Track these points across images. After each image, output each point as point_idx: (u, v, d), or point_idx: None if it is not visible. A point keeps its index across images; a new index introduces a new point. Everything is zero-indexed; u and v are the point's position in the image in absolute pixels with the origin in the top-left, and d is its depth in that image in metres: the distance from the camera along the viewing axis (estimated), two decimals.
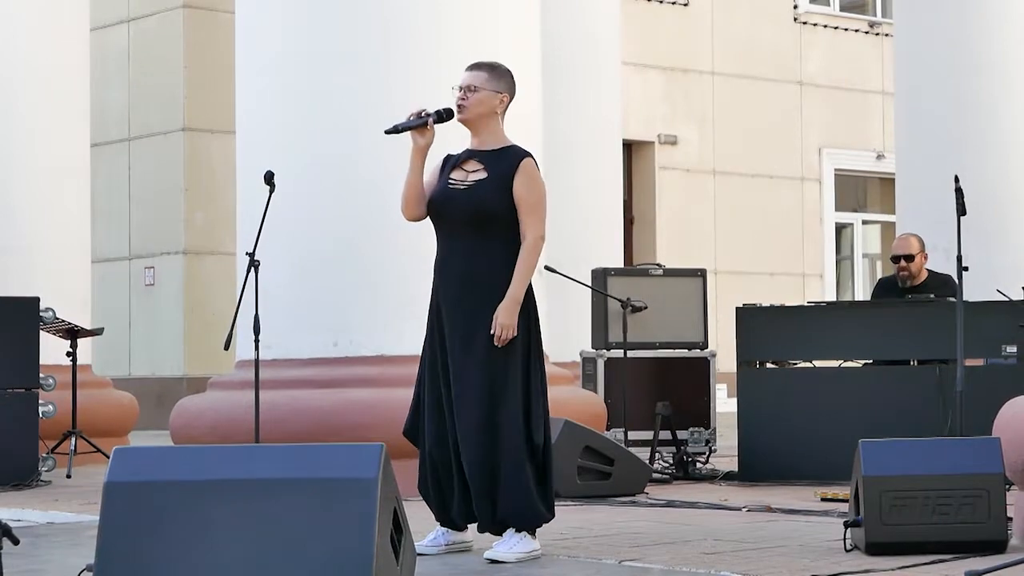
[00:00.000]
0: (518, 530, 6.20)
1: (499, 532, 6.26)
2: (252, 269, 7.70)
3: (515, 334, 6.22)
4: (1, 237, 12.08)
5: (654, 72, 21.22)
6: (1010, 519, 6.17)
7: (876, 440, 6.19)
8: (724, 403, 13.33)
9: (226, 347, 7.71)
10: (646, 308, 10.41)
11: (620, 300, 10.32)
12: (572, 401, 9.07)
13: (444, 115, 6.41)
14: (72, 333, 10.95)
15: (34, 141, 12.24)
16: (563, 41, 13.73)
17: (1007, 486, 6.10)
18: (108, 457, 4.68)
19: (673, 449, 10.22)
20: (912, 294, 10.17)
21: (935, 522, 5.94)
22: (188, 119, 17.59)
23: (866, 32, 23.21)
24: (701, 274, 10.93)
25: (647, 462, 9.46)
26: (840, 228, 23.23)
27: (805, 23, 22.66)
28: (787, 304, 10.45)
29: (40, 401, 10.12)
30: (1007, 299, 9.49)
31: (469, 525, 6.42)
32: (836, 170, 22.86)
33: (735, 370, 9.85)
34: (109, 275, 18.00)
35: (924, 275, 10.39)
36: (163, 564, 4.49)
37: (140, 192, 18.03)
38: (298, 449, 4.66)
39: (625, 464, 8.88)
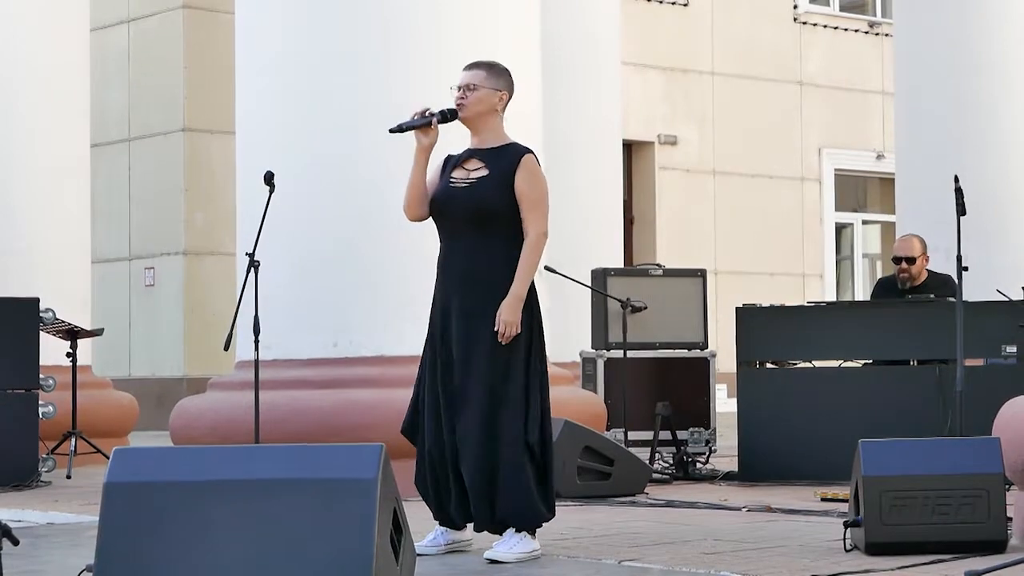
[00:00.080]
0: (518, 530, 6.20)
1: (499, 531, 6.26)
2: (252, 269, 7.70)
3: (519, 331, 6.23)
4: (1, 237, 12.07)
5: (654, 72, 21.22)
6: (1010, 519, 6.17)
7: (876, 440, 6.19)
8: (724, 403, 13.33)
9: (226, 348, 7.71)
10: (646, 308, 10.41)
11: (620, 300, 10.32)
12: (572, 401, 9.07)
13: (448, 115, 6.42)
14: (72, 334, 10.95)
15: (34, 141, 12.24)
16: (563, 41, 13.73)
17: (1007, 486, 6.10)
18: (108, 458, 4.68)
19: (673, 449, 10.21)
20: (912, 294, 10.17)
21: (935, 522, 5.94)
22: (188, 119, 17.60)
23: (866, 32, 23.21)
24: (701, 274, 10.93)
25: (647, 462, 9.46)
26: (840, 228, 23.23)
27: (805, 23, 22.66)
28: (787, 304, 10.45)
29: (40, 402, 10.12)
30: (1007, 299, 9.48)
31: (467, 524, 6.42)
32: (836, 170, 22.87)
33: (735, 370, 9.85)
34: (109, 276, 18.00)
35: (924, 275, 10.38)
36: (163, 564, 4.49)
37: (140, 192, 18.03)
38: (298, 449, 4.66)
39: (625, 464, 8.88)
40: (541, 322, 6.39)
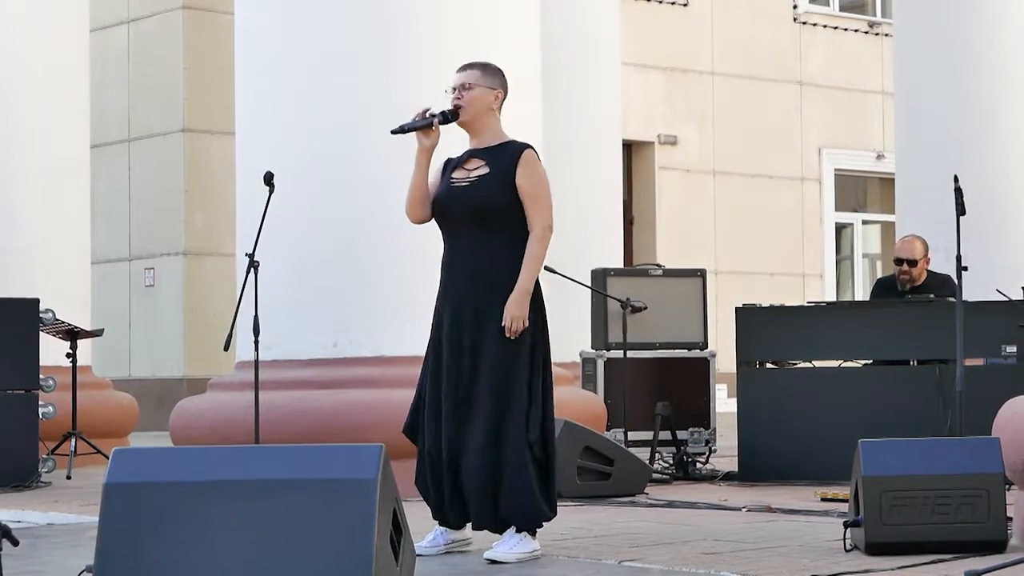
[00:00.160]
0: (519, 530, 6.20)
1: (500, 531, 6.25)
2: (252, 270, 7.70)
3: (526, 325, 6.22)
4: (1, 237, 12.07)
5: (654, 72, 21.23)
6: (1010, 519, 6.17)
7: (876, 440, 6.19)
8: (724, 403, 13.33)
9: (226, 348, 7.71)
10: (646, 308, 10.41)
11: (620, 300, 10.32)
12: (572, 401, 9.07)
13: (449, 116, 6.43)
14: (72, 334, 10.95)
15: (34, 141, 12.24)
16: (563, 41, 13.74)
17: (1007, 486, 6.10)
18: (108, 458, 4.68)
19: (673, 449, 10.22)
20: (911, 294, 10.16)
21: (935, 522, 5.94)
22: (188, 120, 17.60)
23: (866, 32, 23.21)
24: (701, 274, 10.93)
25: (647, 462, 9.46)
26: (840, 228, 23.23)
27: (805, 23, 22.66)
28: (787, 304, 10.45)
29: (40, 402, 10.12)
30: (1007, 299, 9.48)
31: (465, 524, 6.42)
32: (836, 170, 22.87)
33: (735, 370, 9.85)
34: (109, 276, 18.00)
35: (924, 276, 10.36)
36: (163, 565, 4.49)
37: (140, 193, 18.03)
38: (298, 450, 4.66)
39: (625, 464, 8.88)
40: (546, 320, 6.38)
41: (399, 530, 4.75)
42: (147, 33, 18.10)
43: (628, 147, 20.49)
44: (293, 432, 8.48)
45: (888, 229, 21.98)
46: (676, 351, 10.58)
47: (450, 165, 6.48)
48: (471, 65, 6.48)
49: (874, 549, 5.95)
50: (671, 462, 10.16)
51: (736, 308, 9.98)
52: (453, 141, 6.56)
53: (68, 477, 10.38)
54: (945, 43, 13.17)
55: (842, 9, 23.28)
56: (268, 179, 7.71)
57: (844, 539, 6.13)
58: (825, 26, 22.88)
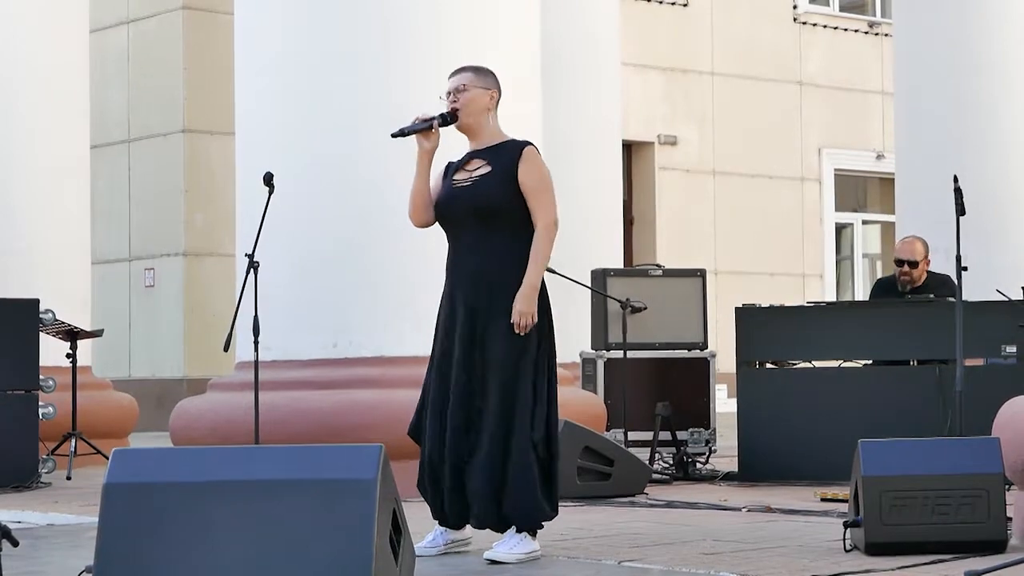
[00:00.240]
0: (519, 530, 6.20)
1: (502, 530, 6.25)
2: (251, 270, 7.69)
3: (535, 320, 6.22)
4: (1, 237, 12.07)
5: (654, 72, 21.23)
6: (1010, 519, 6.16)
7: (875, 440, 6.19)
8: (724, 403, 13.33)
9: (225, 348, 7.70)
10: (646, 309, 10.41)
11: (620, 301, 10.32)
12: (572, 402, 9.07)
13: (449, 118, 6.43)
14: (72, 335, 10.95)
15: (34, 141, 12.24)
16: (563, 41, 13.74)
17: (1007, 486, 6.10)
18: (108, 459, 4.68)
19: (673, 450, 10.22)
20: (911, 294, 10.16)
21: (935, 522, 5.94)
22: (188, 121, 17.60)
23: (866, 32, 23.21)
24: (700, 274, 10.93)
25: (647, 463, 9.46)
26: (840, 228, 23.23)
27: (805, 23, 22.66)
28: (787, 304, 10.45)
29: (40, 403, 10.12)
30: (1007, 299, 9.48)
31: (464, 525, 6.42)
32: (836, 170, 22.87)
33: (735, 370, 9.85)
34: (109, 276, 18.00)
35: (924, 276, 10.36)
36: (162, 565, 4.49)
37: (140, 194, 18.03)
38: (297, 450, 4.66)
39: (625, 465, 8.88)
40: (551, 320, 6.37)
41: (399, 530, 4.76)
42: (147, 33, 18.10)
43: (628, 147, 20.49)
44: (293, 432, 8.48)
45: (888, 229, 21.98)
46: (676, 351, 10.58)
47: (451, 168, 6.49)
48: (463, 69, 6.50)
49: (874, 549, 5.95)
50: (671, 462, 10.16)
51: (736, 308, 9.98)
52: (453, 144, 6.56)
53: (68, 478, 10.38)
54: (945, 43, 13.17)
55: (842, 9, 23.29)
56: (268, 179, 7.71)
57: (844, 539, 6.13)
58: (825, 26, 22.88)
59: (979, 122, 13.07)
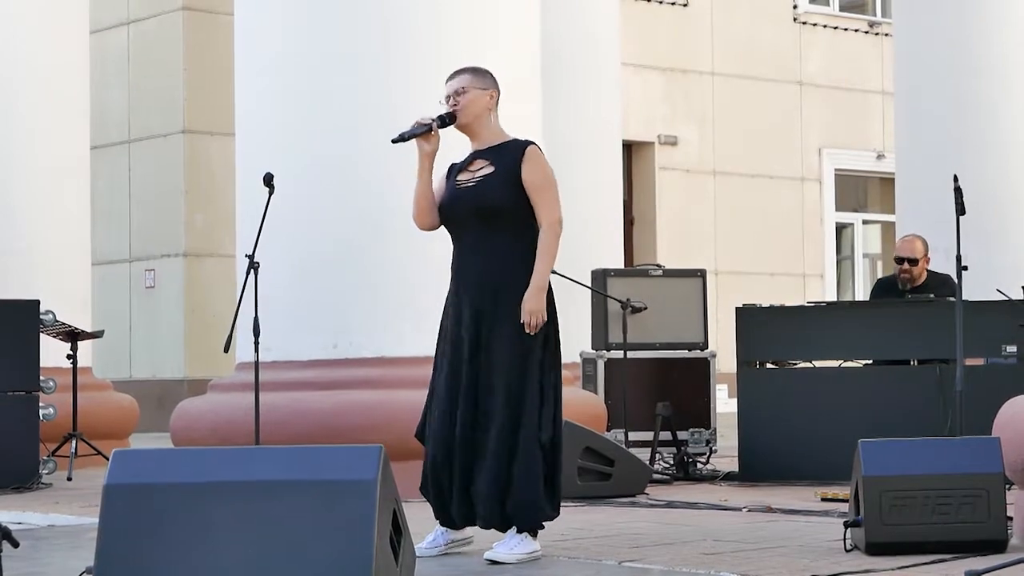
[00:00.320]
0: (520, 530, 6.20)
1: (506, 529, 6.24)
2: (252, 271, 7.70)
3: (545, 319, 6.22)
4: (1, 237, 12.07)
5: (654, 73, 21.23)
6: (1010, 519, 6.16)
7: (876, 440, 6.19)
8: (724, 403, 13.33)
9: (226, 349, 7.70)
10: (646, 309, 10.41)
11: (620, 301, 10.32)
12: (572, 402, 9.06)
13: (447, 119, 6.42)
14: (72, 336, 10.95)
15: (34, 141, 12.25)
16: (563, 41, 13.74)
17: (1007, 486, 6.10)
18: (109, 460, 4.68)
19: (673, 450, 10.22)
20: (911, 294, 10.17)
21: (935, 522, 5.94)
22: (188, 121, 17.60)
23: (866, 32, 23.21)
24: (701, 274, 10.93)
25: (647, 463, 9.46)
26: (840, 228, 23.23)
27: (805, 23, 22.66)
28: (787, 304, 10.45)
29: (41, 404, 10.12)
30: (1007, 299, 9.48)
31: (469, 524, 6.42)
32: (836, 170, 22.87)
33: (735, 370, 9.85)
34: (109, 277, 18.00)
35: (924, 276, 10.38)
36: (163, 566, 4.49)
37: (140, 194, 18.03)
38: (298, 451, 4.66)
39: (625, 465, 8.88)
40: (557, 320, 6.37)
41: (399, 531, 4.76)
42: (147, 34, 18.10)
43: (628, 147, 20.49)
44: (293, 433, 8.48)
45: (888, 229, 21.98)
46: (676, 351, 10.58)
47: (454, 169, 6.48)
48: (461, 71, 6.49)
49: (874, 549, 5.95)
50: (671, 462, 10.16)
51: (736, 308, 9.98)
52: (453, 144, 6.55)
53: (69, 478, 10.38)
54: (945, 43, 13.17)
55: (842, 9, 23.29)
56: (268, 180, 7.71)
57: (844, 539, 6.13)
58: (825, 26, 22.88)
59: (979, 122, 13.07)
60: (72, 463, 10.67)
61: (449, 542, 6.40)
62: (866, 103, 22.89)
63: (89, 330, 11.60)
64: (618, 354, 10.29)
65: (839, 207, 23.01)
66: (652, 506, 8.31)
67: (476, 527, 6.38)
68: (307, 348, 8.92)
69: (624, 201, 18.36)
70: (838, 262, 23.16)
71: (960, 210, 7.56)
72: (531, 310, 6.21)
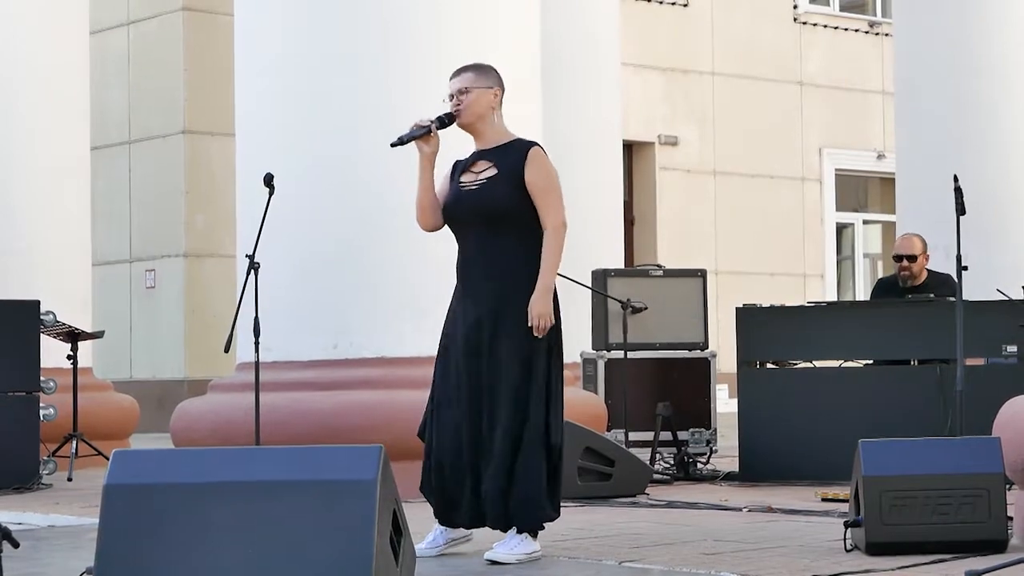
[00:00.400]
0: (521, 530, 6.20)
1: (508, 529, 6.24)
2: (252, 271, 7.70)
3: (552, 322, 6.21)
4: (1, 237, 12.07)
5: (654, 73, 21.23)
6: (1010, 518, 6.17)
7: (876, 440, 6.19)
8: (725, 404, 13.33)
9: (226, 350, 7.70)
10: (646, 309, 10.41)
11: (620, 301, 10.32)
12: (572, 402, 9.04)
13: (446, 120, 6.41)
14: (73, 336, 10.95)
15: (34, 141, 12.24)
16: (563, 42, 13.74)
17: (1007, 486, 6.10)
18: (109, 460, 4.68)
19: (674, 450, 10.22)
20: (912, 294, 10.18)
21: (935, 522, 5.94)
22: (188, 122, 17.60)
23: (866, 32, 23.21)
24: (701, 275, 10.93)
25: (648, 463, 9.46)
26: (841, 228, 23.23)
27: (805, 23, 22.66)
28: (787, 304, 10.45)
29: (41, 404, 10.12)
30: (1007, 299, 9.49)
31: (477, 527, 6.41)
32: (836, 170, 22.87)
33: (735, 370, 9.85)
34: (110, 278, 18.00)
35: (924, 275, 10.41)
36: (163, 566, 4.49)
37: (140, 195, 18.03)
38: (298, 451, 4.66)
39: (626, 465, 8.88)
40: (560, 322, 6.36)
41: (399, 531, 4.76)
42: (147, 35, 18.10)
43: (628, 148, 20.49)
44: (294, 433, 8.48)
45: (889, 229, 21.97)
46: (677, 351, 10.58)
47: (458, 168, 6.46)
48: (464, 68, 6.45)
49: (874, 549, 5.95)
50: (672, 462, 10.16)
51: (736, 308, 9.98)
52: (453, 145, 6.54)
53: (69, 479, 10.38)
54: (945, 43, 13.17)
55: (842, 9, 23.29)
56: (268, 181, 7.71)
57: (845, 539, 6.13)
58: (825, 26, 22.88)
59: (979, 122, 13.07)
60: (72, 463, 10.67)
61: (449, 541, 6.40)
62: (866, 103, 22.89)
63: (89, 330, 11.60)
64: (618, 354, 10.29)
65: (839, 207, 23.01)
66: (652, 506, 8.31)
67: (476, 526, 6.39)
68: (307, 348, 8.93)
69: (624, 201, 18.36)
70: (838, 262, 23.16)
71: (960, 210, 7.57)
72: (539, 313, 6.21)
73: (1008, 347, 9.44)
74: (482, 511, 6.26)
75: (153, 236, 17.85)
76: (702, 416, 10.48)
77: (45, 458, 10.25)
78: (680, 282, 10.82)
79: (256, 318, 7.69)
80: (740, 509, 8.00)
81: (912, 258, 10.32)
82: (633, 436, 10.17)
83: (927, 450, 6.11)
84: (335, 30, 8.93)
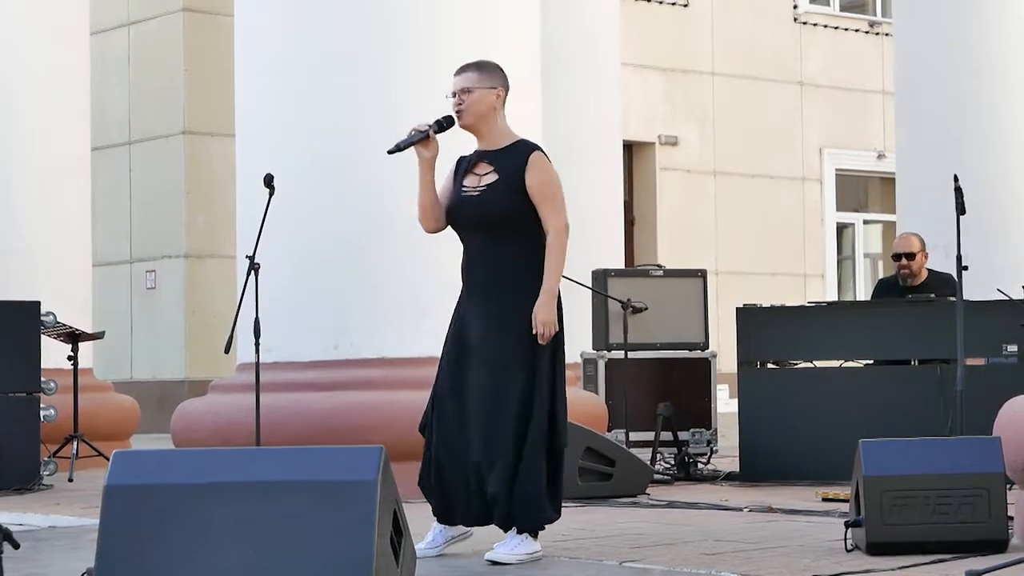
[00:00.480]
0: (521, 531, 6.20)
1: (509, 528, 6.24)
2: (252, 272, 7.69)
3: (557, 329, 6.21)
4: (1, 237, 12.07)
5: (654, 73, 21.22)
6: (1011, 518, 6.17)
7: (876, 440, 6.19)
8: (725, 404, 13.32)
9: (226, 350, 7.70)
10: (647, 309, 10.41)
11: (621, 301, 10.32)
12: (573, 402, 8.96)
13: (444, 123, 6.39)
14: (73, 337, 10.95)
15: (34, 141, 12.24)
16: (563, 42, 13.74)
17: (1007, 485, 6.10)
18: (109, 461, 4.68)
19: (674, 450, 10.22)
20: (912, 294, 10.19)
21: (936, 522, 5.94)
22: (188, 122, 17.60)
23: (866, 32, 23.21)
24: (701, 275, 10.93)
25: (648, 463, 9.46)
26: (841, 228, 23.23)
27: (805, 23, 22.66)
28: (788, 304, 10.45)
29: (42, 405, 10.12)
30: (1007, 298, 9.49)
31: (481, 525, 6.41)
32: (837, 170, 22.86)
33: (736, 370, 9.85)
34: (110, 278, 18.00)
35: (924, 274, 10.43)
36: (163, 567, 4.49)
37: (141, 195, 18.03)
38: (298, 452, 4.66)
39: (626, 465, 8.88)
40: (562, 325, 6.35)
41: (399, 531, 4.76)
42: (148, 35, 18.10)
43: (629, 148, 20.49)
44: (294, 434, 8.48)
45: (889, 229, 21.97)
46: (677, 352, 10.58)
47: (462, 166, 6.44)
48: (467, 67, 6.41)
49: (875, 549, 5.95)
50: (672, 463, 10.17)
51: (737, 308, 9.98)
52: (452, 146, 6.53)
53: (70, 480, 10.38)
54: (945, 43, 13.17)
55: (842, 9, 23.28)
56: (268, 181, 7.71)
57: (845, 539, 6.13)
58: (825, 26, 22.88)
59: (979, 122, 13.07)
60: (73, 464, 10.67)
61: (449, 539, 6.40)
62: (866, 103, 22.88)
63: (90, 331, 11.60)
64: (619, 354, 10.29)
65: (840, 207, 23.01)
66: (653, 506, 8.32)
67: (475, 524, 6.39)
68: (307, 349, 8.93)
69: (625, 201, 18.36)
70: (839, 262, 23.16)
71: (960, 210, 7.57)
72: (543, 321, 6.20)
73: (1008, 347, 9.45)
74: (482, 510, 6.26)
75: (153, 237, 17.85)
76: (703, 416, 10.48)
77: (46, 459, 10.24)
78: (680, 282, 10.82)
79: (256, 319, 7.69)
80: (741, 509, 8.00)
81: (910, 256, 10.36)
82: (634, 436, 10.18)
83: (927, 450, 6.12)
84: (335, 30, 8.93)
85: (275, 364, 8.83)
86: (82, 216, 12.69)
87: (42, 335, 10.25)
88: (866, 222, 23.61)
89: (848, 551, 6.08)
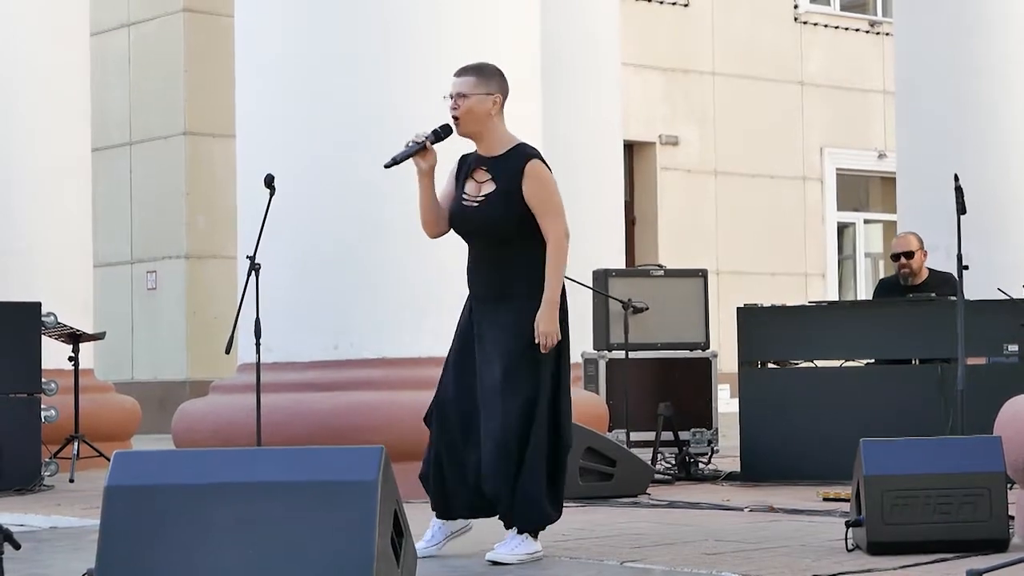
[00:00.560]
0: (522, 531, 6.19)
1: (510, 526, 6.24)
2: (252, 272, 7.70)
3: (559, 339, 6.20)
4: (1, 238, 12.07)
5: (654, 73, 21.22)
6: (1011, 518, 6.17)
7: (877, 440, 6.19)
8: (726, 403, 13.33)
9: (227, 351, 7.70)
10: (647, 309, 10.41)
11: (621, 301, 10.32)
12: (574, 402, 8.95)
13: (442, 133, 6.36)
14: (74, 337, 10.95)
15: (34, 141, 12.24)
16: (563, 42, 13.73)
17: (1008, 485, 6.10)
18: (110, 461, 4.68)
19: (675, 450, 10.22)
20: (913, 293, 10.19)
21: (936, 521, 5.94)
22: (189, 123, 17.60)
23: (867, 31, 23.21)
24: (702, 274, 10.93)
25: (649, 463, 9.46)
26: (842, 228, 23.23)
27: (805, 23, 22.66)
28: (788, 304, 10.45)
29: (42, 406, 10.12)
30: (1008, 298, 9.49)
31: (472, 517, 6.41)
32: (837, 170, 22.86)
33: (737, 370, 9.85)
34: (111, 279, 18.00)
35: (925, 273, 10.44)
36: (164, 567, 4.49)
37: (141, 196, 18.03)
38: (299, 452, 4.66)
39: (627, 465, 8.88)
40: (567, 328, 6.34)
41: (400, 532, 4.75)
42: (148, 36, 18.10)
43: (629, 148, 20.49)
44: (294, 434, 8.48)
45: (890, 228, 21.97)
46: (678, 351, 10.58)
47: (463, 168, 6.43)
48: (466, 70, 6.36)
49: (876, 549, 5.95)
50: (673, 462, 10.17)
51: (738, 308, 9.98)
52: (452, 147, 6.52)
53: (71, 480, 10.38)
54: (945, 43, 13.17)
55: (843, 8, 23.28)
56: (269, 181, 7.71)
57: (846, 539, 6.13)
58: (826, 26, 22.88)
59: (979, 122, 13.08)
60: (74, 465, 10.67)
61: (448, 535, 6.40)
62: (867, 103, 22.88)
63: (91, 332, 11.60)
64: (620, 354, 10.29)
65: (840, 206, 23.01)
66: (654, 506, 8.32)
67: (474, 517, 6.39)
68: (308, 349, 8.93)
69: (625, 201, 18.36)
70: (839, 262, 23.16)
71: (961, 209, 7.57)
72: (545, 331, 6.19)
73: (1009, 346, 9.45)
74: (482, 503, 6.26)
75: (154, 237, 17.85)
76: (703, 416, 10.48)
77: (47, 460, 10.25)
78: (681, 282, 10.82)
79: (257, 319, 7.69)
80: (742, 509, 8.00)
81: (909, 254, 10.39)
82: (634, 436, 10.18)
83: (928, 449, 6.12)
84: (335, 30, 8.93)
85: (276, 364, 8.83)
86: (83, 216, 12.69)
87: (43, 336, 10.25)
88: (867, 222, 23.62)
89: (849, 551, 6.09)
